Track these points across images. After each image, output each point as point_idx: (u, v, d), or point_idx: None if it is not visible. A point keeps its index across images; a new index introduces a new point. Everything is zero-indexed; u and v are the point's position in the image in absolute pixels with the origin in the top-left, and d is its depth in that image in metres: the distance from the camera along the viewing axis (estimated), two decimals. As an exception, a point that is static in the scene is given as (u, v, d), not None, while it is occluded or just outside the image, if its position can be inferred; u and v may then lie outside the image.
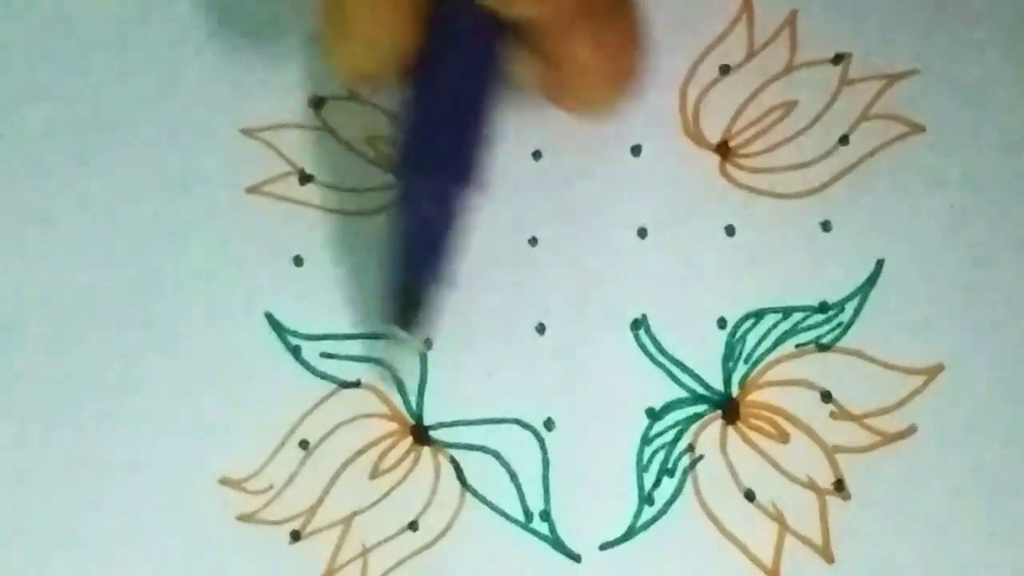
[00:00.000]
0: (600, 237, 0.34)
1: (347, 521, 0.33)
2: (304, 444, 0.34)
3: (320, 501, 0.33)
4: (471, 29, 0.30)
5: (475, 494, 0.33)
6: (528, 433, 0.33)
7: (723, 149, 0.34)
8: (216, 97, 0.35)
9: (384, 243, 0.33)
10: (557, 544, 0.33)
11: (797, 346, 0.33)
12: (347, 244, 0.34)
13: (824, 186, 0.34)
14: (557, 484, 0.33)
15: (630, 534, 0.33)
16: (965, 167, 0.33)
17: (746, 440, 0.33)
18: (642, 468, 0.33)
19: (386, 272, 0.32)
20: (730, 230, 0.34)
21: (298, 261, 0.34)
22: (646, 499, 0.33)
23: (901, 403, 0.33)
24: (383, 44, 0.29)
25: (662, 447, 0.33)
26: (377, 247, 0.34)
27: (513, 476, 0.33)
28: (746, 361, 0.33)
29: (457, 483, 0.33)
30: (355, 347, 0.34)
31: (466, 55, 0.30)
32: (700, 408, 0.33)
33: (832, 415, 0.33)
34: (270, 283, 0.34)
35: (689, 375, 0.33)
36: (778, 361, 0.33)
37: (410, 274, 0.32)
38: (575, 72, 0.29)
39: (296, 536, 0.33)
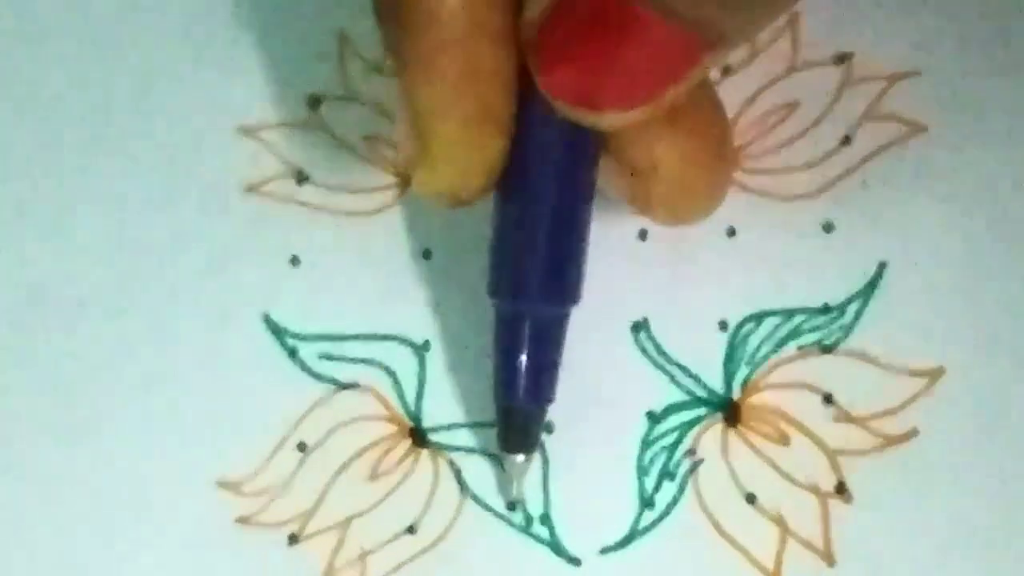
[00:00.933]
0: (600, 239, 0.33)
1: (345, 524, 0.33)
2: (302, 446, 0.33)
3: (318, 504, 0.33)
4: (559, 142, 0.28)
5: (474, 497, 0.33)
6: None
7: (724, 150, 0.34)
8: (213, 96, 0.35)
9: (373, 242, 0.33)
10: (557, 548, 0.33)
11: (799, 348, 0.33)
12: (345, 244, 0.34)
13: (826, 187, 0.34)
14: (557, 488, 0.33)
15: (630, 538, 0.33)
16: (968, 168, 0.33)
17: (747, 443, 0.33)
18: (643, 471, 0.33)
19: (493, 396, 0.31)
20: (731, 231, 0.34)
21: (295, 261, 0.34)
22: (647, 503, 0.33)
23: (903, 405, 0.33)
24: (470, 162, 0.28)
25: (663, 450, 0.33)
26: (377, 247, 0.34)
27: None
28: (747, 363, 0.33)
29: (456, 486, 0.33)
30: (353, 348, 0.34)
31: (556, 169, 0.29)
32: (701, 411, 0.33)
33: (834, 418, 0.33)
34: (267, 284, 0.34)
35: (690, 378, 0.33)
36: (780, 363, 0.33)
37: (515, 398, 0.31)
38: (662, 182, 0.29)
39: (294, 539, 0.33)
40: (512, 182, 0.29)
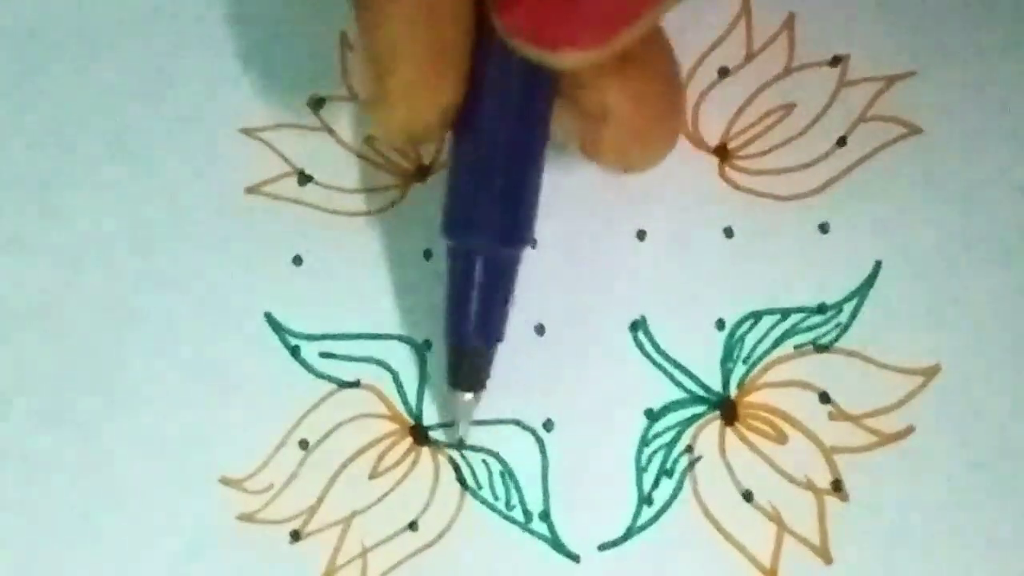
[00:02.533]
0: (599, 239, 0.34)
1: (347, 521, 0.33)
2: (304, 444, 0.34)
3: (320, 501, 0.33)
4: (515, 82, 0.29)
5: (474, 495, 0.33)
6: (527, 434, 0.33)
7: (722, 151, 0.34)
8: (216, 97, 0.35)
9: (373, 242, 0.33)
10: (556, 545, 0.33)
11: (795, 347, 0.33)
12: (346, 244, 0.34)
13: (822, 188, 0.34)
14: (556, 485, 0.33)
15: (629, 535, 0.33)
16: (963, 168, 0.34)
17: (744, 441, 0.33)
18: (641, 469, 0.33)
19: (443, 334, 0.32)
20: (729, 232, 0.34)
21: (297, 261, 0.34)
22: (645, 500, 0.33)
23: (899, 403, 0.33)
24: (427, 101, 0.28)
25: (661, 448, 0.33)
26: (378, 247, 0.34)
27: (512, 477, 0.33)
28: (744, 362, 0.34)
29: (456, 484, 0.33)
30: (355, 347, 0.34)
31: (512, 109, 0.29)
32: (699, 409, 0.33)
33: (830, 416, 0.33)
34: (269, 283, 0.34)
35: (688, 376, 0.33)
36: (776, 362, 0.33)
37: (464, 335, 0.31)
38: (613, 127, 0.29)
39: (296, 536, 0.33)
40: (468, 122, 0.29)
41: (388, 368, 0.34)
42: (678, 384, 0.33)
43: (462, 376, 0.32)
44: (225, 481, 0.34)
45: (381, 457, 0.34)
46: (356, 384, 0.34)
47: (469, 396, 0.32)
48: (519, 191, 0.30)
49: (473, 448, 0.34)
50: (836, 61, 0.34)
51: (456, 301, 0.31)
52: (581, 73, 0.28)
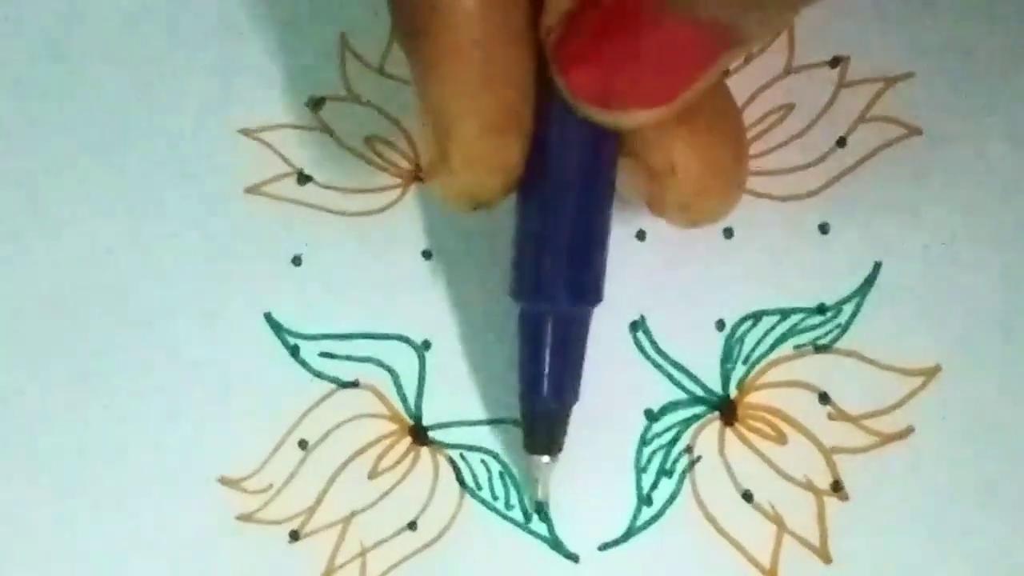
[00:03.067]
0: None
1: (346, 521, 0.33)
2: (303, 444, 0.34)
3: (319, 501, 0.33)
4: (578, 142, 0.28)
5: (474, 494, 0.33)
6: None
7: (722, 151, 0.34)
8: (215, 97, 0.35)
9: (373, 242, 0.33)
10: (556, 544, 0.33)
11: (795, 347, 0.33)
12: (346, 244, 0.34)
13: (822, 188, 0.34)
14: (556, 485, 0.33)
15: (628, 535, 0.33)
16: (962, 169, 0.34)
17: (744, 441, 0.33)
18: (640, 469, 0.33)
19: (518, 397, 0.31)
20: (728, 232, 0.34)
21: (297, 261, 0.34)
22: (644, 500, 0.33)
23: (898, 404, 0.33)
24: (490, 165, 0.28)
25: (660, 448, 0.33)
26: (378, 247, 0.34)
27: (512, 476, 0.33)
28: (744, 362, 0.34)
29: (456, 483, 0.33)
30: (354, 347, 0.34)
31: (576, 169, 0.29)
32: (698, 409, 0.33)
33: (830, 416, 0.33)
34: (269, 283, 0.34)
35: (687, 376, 0.33)
36: (776, 362, 0.33)
37: (540, 398, 0.31)
38: (679, 183, 0.29)
39: (295, 536, 0.33)
40: (532, 183, 0.29)
41: (387, 368, 0.34)
42: (678, 384, 0.33)
43: (539, 440, 0.32)
44: (224, 481, 0.34)
45: (380, 457, 0.34)
46: (355, 384, 0.34)
47: (547, 459, 0.32)
48: (588, 251, 0.30)
49: (473, 448, 0.34)
50: (836, 62, 0.34)
51: (529, 363, 0.31)
52: (646, 130, 0.28)
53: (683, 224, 0.31)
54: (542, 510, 0.33)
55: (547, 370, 0.30)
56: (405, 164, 0.35)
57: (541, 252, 0.29)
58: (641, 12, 0.25)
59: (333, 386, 0.34)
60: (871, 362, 0.33)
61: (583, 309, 0.31)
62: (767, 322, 0.34)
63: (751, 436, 0.33)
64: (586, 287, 0.30)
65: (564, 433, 0.32)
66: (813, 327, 0.33)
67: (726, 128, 0.29)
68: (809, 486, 0.33)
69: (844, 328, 0.33)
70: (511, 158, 0.28)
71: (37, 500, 0.34)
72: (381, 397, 0.34)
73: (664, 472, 0.33)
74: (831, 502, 0.33)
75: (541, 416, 0.31)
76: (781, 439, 0.33)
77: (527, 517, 0.33)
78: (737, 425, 0.33)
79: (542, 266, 0.29)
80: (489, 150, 0.27)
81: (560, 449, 0.32)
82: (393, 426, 0.34)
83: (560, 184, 0.29)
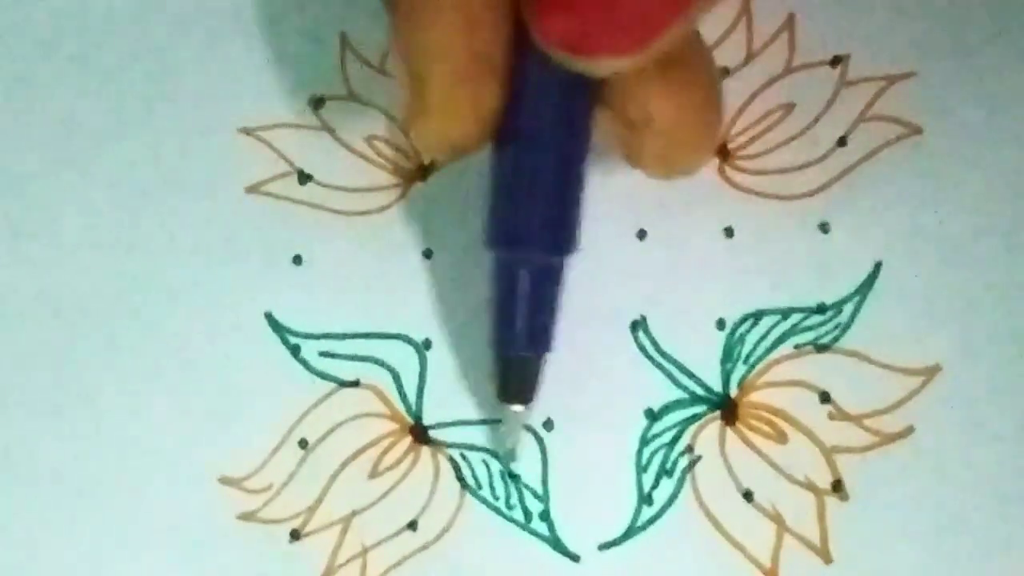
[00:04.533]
0: (600, 238, 0.34)
1: (346, 520, 0.33)
2: (303, 443, 0.34)
3: (319, 500, 0.33)
4: (555, 90, 0.28)
5: (474, 494, 0.33)
6: (527, 433, 0.33)
7: (722, 151, 0.34)
8: (215, 96, 0.35)
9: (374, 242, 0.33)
10: (556, 544, 0.33)
11: (795, 347, 0.33)
12: (346, 244, 0.34)
13: (822, 188, 0.34)
14: (556, 484, 0.33)
15: (629, 534, 0.33)
16: (962, 169, 0.34)
17: (744, 441, 0.33)
18: (641, 468, 0.33)
19: (490, 346, 0.32)
20: (729, 231, 0.34)
21: (297, 260, 0.34)
22: (645, 499, 0.33)
23: (899, 404, 0.33)
24: (466, 110, 0.28)
25: (661, 448, 0.33)
26: (378, 247, 0.34)
27: (512, 476, 0.33)
28: (745, 362, 0.34)
29: (456, 483, 0.33)
30: (354, 346, 0.34)
31: (552, 117, 0.29)
32: (699, 409, 0.33)
33: (830, 416, 0.33)
34: (269, 282, 0.34)
35: (688, 376, 0.34)
36: (776, 362, 0.34)
37: (512, 347, 0.31)
38: (656, 134, 0.29)
39: (296, 535, 0.33)
40: (509, 131, 0.29)
41: (388, 368, 0.34)
42: (678, 384, 0.33)
43: (512, 388, 0.32)
44: (225, 480, 0.34)
45: (381, 456, 0.34)
46: (356, 383, 0.34)
47: (520, 408, 0.32)
48: (563, 200, 0.30)
49: (473, 447, 0.34)
50: (836, 61, 0.34)
51: (503, 312, 0.31)
52: (622, 81, 0.28)
53: (660, 175, 0.31)
54: (513, 459, 0.33)
55: (521, 319, 0.31)
56: (405, 164, 0.35)
57: (516, 201, 0.30)
58: None
59: (333, 385, 0.34)
60: (871, 362, 0.33)
61: (558, 258, 0.31)
62: (768, 321, 0.34)
63: (752, 436, 0.33)
64: (561, 236, 0.30)
65: (537, 382, 0.32)
66: (814, 327, 0.33)
67: (702, 80, 0.29)
68: (809, 486, 0.33)
69: (844, 328, 0.33)
70: (486, 104, 0.28)
71: (37, 500, 0.34)
72: (382, 396, 0.34)
73: (665, 472, 0.33)
74: (831, 502, 0.33)
75: (515, 365, 0.32)
76: (782, 439, 0.33)
77: (528, 517, 0.33)
78: (738, 424, 0.33)
79: (517, 215, 0.30)
80: (464, 96, 0.28)
81: (532, 398, 0.32)
82: (394, 425, 0.34)
83: (536, 133, 0.29)
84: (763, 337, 0.34)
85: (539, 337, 0.31)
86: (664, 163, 0.30)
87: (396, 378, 0.34)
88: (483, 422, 0.34)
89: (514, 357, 0.31)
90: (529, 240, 0.30)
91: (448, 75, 0.27)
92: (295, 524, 0.33)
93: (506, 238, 0.30)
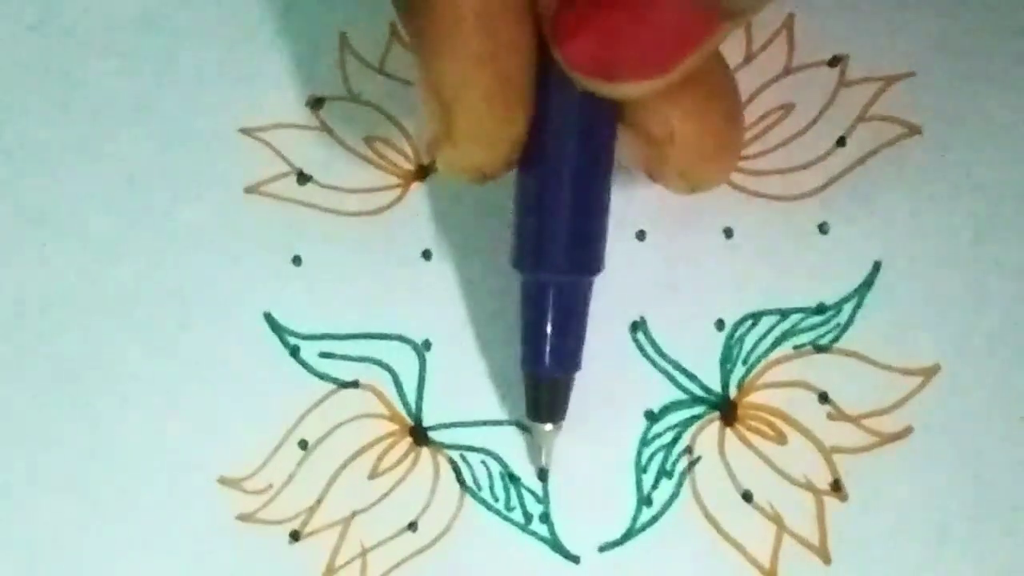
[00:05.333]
0: (599, 239, 0.34)
1: (346, 521, 0.33)
2: (303, 444, 0.34)
3: (319, 501, 0.34)
4: (578, 112, 0.29)
5: (474, 495, 0.33)
6: (527, 435, 0.33)
7: (721, 151, 0.34)
8: (215, 97, 0.35)
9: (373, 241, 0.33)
10: (556, 546, 0.33)
11: (795, 347, 0.33)
12: (346, 244, 0.34)
13: (822, 188, 0.34)
14: (556, 486, 0.33)
15: (629, 535, 0.33)
16: (961, 169, 0.34)
17: (744, 441, 0.33)
18: (640, 469, 0.33)
19: (520, 366, 0.32)
20: (728, 232, 0.34)
21: (297, 261, 0.34)
22: (645, 500, 0.33)
23: (898, 404, 0.33)
24: (495, 137, 0.28)
25: (660, 449, 0.33)
26: (378, 247, 0.34)
27: (512, 478, 0.33)
28: (744, 363, 0.34)
29: (456, 484, 0.33)
30: (354, 347, 0.34)
31: (576, 139, 0.29)
32: (698, 410, 0.33)
33: (829, 416, 0.33)
34: (269, 283, 0.34)
35: (687, 377, 0.34)
36: (776, 362, 0.34)
37: (542, 367, 0.31)
38: (679, 150, 0.29)
39: (295, 536, 0.33)
40: (533, 155, 0.29)
41: (388, 368, 0.34)
42: (678, 385, 0.33)
43: (542, 408, 0.32)
44: (224, 481, 0.34)
45: (380, 457, 0.34)
46: (355, 384, 0.34)
47: (550, 427, 0.32)
48: (588, 220, 0.30)
49: (473, 448, 0.34)
50: (835, 61, 0.34)
51: (533, 333, 0.31)
52: (645, 100, 0.28)
53: (682, 190, 0.31)
54: (545, 477, 0.33)
55: (549, 339, 0.31)
56: (405, 164, 0.35)
57: (541, 222, 0.30)
58: None
59: (333, 386, 0.34)
60: (871, 362, 0.33)
61: (584, 278, 0.31)
62: (767, 322, 0.34)
63: (751, 436, 0.33)
64: (586, 256, 0.30)
65: (567, 400, 0.32)
66: (813, 327, 0.33)
67: (723, 97, 0.30)
68: (809, 486, 0.33)
69: (844, 328, 0.33)
70: (514, 130, 0.28)
71: (37, 500, 0.34)
72: (381, 397, 0.34)
73: (664, 472, 0.33)
74: (831, 502, 0.33)
75: (545, 386, 0.32)
76: (781, 439, 0.33)
77: (527, 518, 0.33)
78: (737, 425, 0.33)
79: (542, 236, 0.30)
80: (492, 122, 0.28)
81: (563, 417, 0.32)
82: (393, 426, 0.34)
83: (560, 154, 0.29)
84: (762, 338, 0.34)
85: (568, 357, 0.31)
86: (686, 179, 0.30)
87: (396, 379, 0.34)
88: (483, 423, 0.34)
89: (543, 377, 0.31)
90: (556, 261, 0.30)
91: (477, 103, 0.27)
92: (295, 525, 0.33)
93: (533, 260, 0.30)
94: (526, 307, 0.31)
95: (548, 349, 0.31)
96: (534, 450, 0.33)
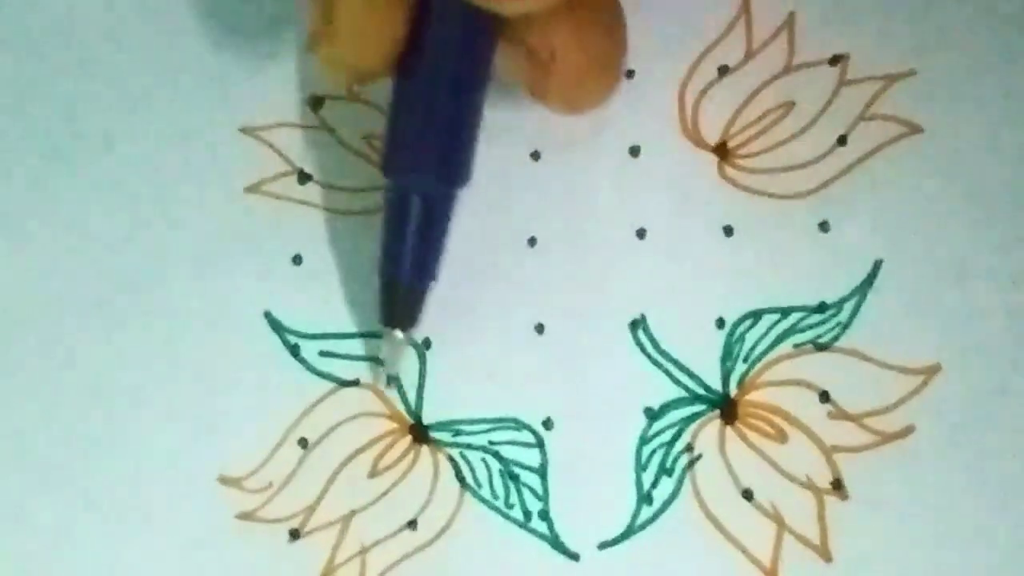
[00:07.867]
0: (599, 237, 0.34)
1: (346, 520, 0.33)
2: (303, 442, 0.34)
3: (319, 500, 0.33)
4: (459, 24, 0.29)
5: (474, 493, 0.33)
6: (527, 432, 0.33)
7: (722, 150, 0.34)
8: (215, 96, 0.35)
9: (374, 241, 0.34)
10: (556, 543, 0.33)
11: (795, 346, 0.33)
12: (346, 243, 0.34)
13: (822, 186, 0.34)
14: (556, 483, 0.33)
15: (629, 533, 0.33)
16: (962, 167, 0.34)
17: (744, 440, 0.33)
18: (641, 467, 0.33)
19: (377, 271, 0.32)
20: (728, 230, 0.34)
21: (297, 260, 0.34)
22: (645, 498, 0.33)
23: (899, 403, 0.33)
24: (373, 36, 0.29)
25: (661, 447, 0.33)
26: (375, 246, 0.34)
27: (512, 475, 0.33)
28: (744, 361, 0.33)
29: (456, 482, 0.33)
30: (354, 346, 0.34)
31: (454, 50, 0.30)
32: (698, 408, 0.33)
33: (830, 415, 0.33)
34: (269, 282, 0.34)
35: (687, 375, 0.33)
36: (776, 361, 0.33)
37: (399, 273, 0.32)
38: (560, 70, 0.29)
39: (295, 535, 0.33)
40: (410, 61, 0.30)
41: (387, 367, 0.34)
42: (678, 383, 0.33)
43: (396, 314, 0.32)
44: (224, 480, 0.34)
45: (380, 456, 0.34)
46: (355, 383, 0.34)
47: (400, 334, 0.32)
48: (458, 130, 0.31)
49: (473, 447, 0.34)
50: (836, 60, 0.34)
51: (392, 240, 0.31)
52: (528, 17, 0.28)
53: (563, 111, 0.31)
54: (393, 383, 0.34)
55: (409, 248, 0.31)
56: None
57: (414, 130, 0.30)
58: None
59: (333, 385, 0.34)
60: (871, 361, 0.33)
61: (450, 189, 0.31)
62: (767, 320, 0.34)
63: (751, 435, 0.33)
64: (455, 167, 0.31)
65: (420, 309, 0.32)
66: (813, 325, 0.33)
67: (607, 19, 0.30)
68: (809, 485, 0.33)
69: (844, 327, 0.33)
70: (391, 30, 0.29)
71: (37, 500, 0.34)
72: (381, 396, 0.34)
73: (664, 471, 0.33)
74: (831, 501, 0.33)
75: (400, 293, 0.32)
76: (781, 438, 0.33)
77: (527, 516, 0.33)
78: (737, 424, 0.33)
79: (414, 144, 0.30)
80: (371, 20, 0.28)
81: (415, 324, 0.32)
82: (393, 425, 0.34)
83: (435, 62, 0.30)
84: (763, 336, 0.33)
85: (426, 267, 0.32)
86: (567, 99, 0.31)
87: (396, 377, 0.34)
88: (483, 421, 0.34)
89: (399, 284, 0.32)
90: (424, 169, 0.31)
91: (358, 2, 0.28)
92: (294, 523, 0.33)
93: (401, 166, 0.31)
94: (389, 214, 0.31)
95: (407, 258, 0.31)
96: (384, 356, 0.33)
